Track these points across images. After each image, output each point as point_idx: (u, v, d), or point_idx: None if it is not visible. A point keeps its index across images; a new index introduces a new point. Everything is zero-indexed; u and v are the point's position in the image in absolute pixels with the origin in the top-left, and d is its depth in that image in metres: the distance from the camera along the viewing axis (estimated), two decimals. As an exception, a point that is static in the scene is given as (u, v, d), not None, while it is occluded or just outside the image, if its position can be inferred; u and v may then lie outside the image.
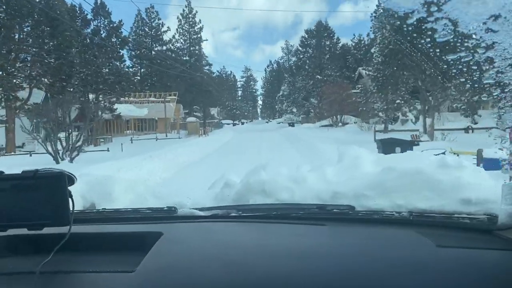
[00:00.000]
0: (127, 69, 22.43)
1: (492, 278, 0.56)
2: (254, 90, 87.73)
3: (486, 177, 0.95)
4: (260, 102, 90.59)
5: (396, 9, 0.58)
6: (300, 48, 34.23)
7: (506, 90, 0.61)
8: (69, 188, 0.61)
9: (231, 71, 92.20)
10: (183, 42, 35.18)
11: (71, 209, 0.60)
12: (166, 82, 34.08)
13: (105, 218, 0.86)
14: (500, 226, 0.70)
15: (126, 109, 22.76)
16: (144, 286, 0.55)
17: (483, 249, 0.66)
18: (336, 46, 33.24)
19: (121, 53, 20.96)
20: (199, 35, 35.31)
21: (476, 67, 0.64)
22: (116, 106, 22.57)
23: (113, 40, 20.37)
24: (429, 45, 0.72)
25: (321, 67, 32.37)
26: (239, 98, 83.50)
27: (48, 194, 0.59)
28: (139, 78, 35.73)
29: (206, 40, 36.07)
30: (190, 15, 35.02)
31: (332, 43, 33.41)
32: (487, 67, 0.62)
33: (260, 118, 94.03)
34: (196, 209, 0.87)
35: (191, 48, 33.98)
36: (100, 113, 15.15)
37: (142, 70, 35.36)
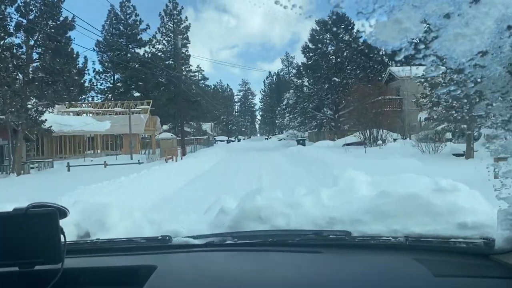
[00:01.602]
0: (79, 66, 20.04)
1: None
2: (252, 105, 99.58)
3: (481, 201, 1.27)
4: (258, 117, 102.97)
5: (384, 47, 0.88)
6: (309, 45, 33.42)
7: (497, 121, 0.85)
8: (62, 220, 0.78)
9: (227, 84, 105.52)
10: (166, 44, 37.34)
11: (63, 244, 0.78)
12: (144, 90, 35.50)
13: (99, 249, 1.09)
14: (497, 250, 0.90)
15: (79, 121, 23.25)
16: None
17: (481, 278, 0.87)
18: (356, 41, 30.53)
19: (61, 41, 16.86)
20: (185, 35, 37.42)
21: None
22: (63, 116, 23.42)
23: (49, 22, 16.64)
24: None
25: (338, 67, 32.08)
26: (237, 113, 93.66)
27: (40, 231, 0.76)
28: (111, 85, 37.14)
29: (189, 42, 37.60)
30: (174, 11, 36.97)
31: (352, 37, 31.34)
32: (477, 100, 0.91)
33: (258, 135, 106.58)
34: (191, 237, 1.15)
35: (176, 50, 35.96)
36: (26, 125, 13.72)
37: (116, 76, 36.95)
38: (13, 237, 0.76)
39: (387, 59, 29.50)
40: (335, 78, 31.45)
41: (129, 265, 0.98)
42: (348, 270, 0.95)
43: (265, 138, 70.79)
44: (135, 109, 26.05)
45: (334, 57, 32.89)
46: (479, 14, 0.77)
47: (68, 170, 15.62)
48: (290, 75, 67.56)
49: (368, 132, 20.47)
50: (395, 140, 19.24)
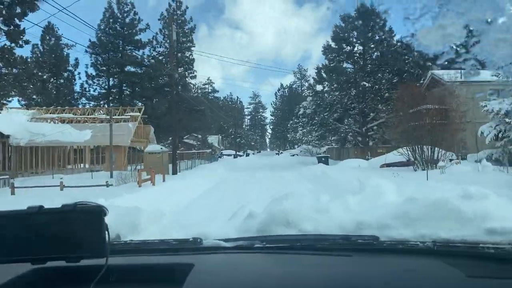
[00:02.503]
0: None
1: None
2: (263, 118, 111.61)
3: (510, 207, 1.55)
4: (269, 131, 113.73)
5: (426, 51, 1.12)
6: (332, 44, 32.71)
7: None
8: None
9: (237, 97, 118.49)
10: (168, 47, 38.73)
11: (107, 241, 0.96)
12: (140, 97, 36.72)
13: (133, 250, 1.38)
14: None
15: (55, 130, 23.31)
16: None
17: (510, 281, 1.08)
18: (390, 40, 30.89)
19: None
20: (189, 38, 39.48)
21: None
22: (36, 123, 23.48)
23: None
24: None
25: (368, 70, 31.36)
26: (247, 127, 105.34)
27: (87, 227, 0.94)
28: (104, 91, 38.53)
29: (194, 46, 39.43)
30: (178, 12, 38.83)
31: (384, 34, 31.31)
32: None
33: (268, 149, 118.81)
34: (221, 240, 1.43)
35: (179, 54, 37.32)
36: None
37: (112, 81, 38.56)
38: (61, 232, 0.96)
39: (429, 63, 28.00)
40: (364, 83, 30.57)
41: (166, 263, 1.23)
42: (378, 274, 1.15)
43: (276, 153, 75.46)
44: (123, 117, 26.49)
45: (361, 58, 32.48)
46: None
47: (12, 193, 13.68)
48: (303, 88, 76.27)
49: (418, 149, 17.75)
50: (451, 160, 16.92)
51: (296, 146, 71.37)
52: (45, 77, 39.80)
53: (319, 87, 34.65)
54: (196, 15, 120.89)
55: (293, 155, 53.81)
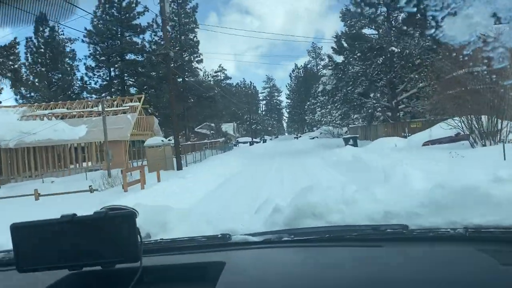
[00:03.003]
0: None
1: None
2: (278, 102, 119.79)
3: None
4: (286, 114, 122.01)
5: (452, 42, 1.26)
6: (351, 8, 32.11)
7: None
8: None
9: (250, 82, 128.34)
10: (170, 30, 40.01)
11: (140, 244, 1.11)
12: (142, 86, 37.27)
13: (164, 248, 1.59)
14: None
15: (47, 127, 23.01)
16: None
17: None
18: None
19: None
20: (191, 19, 40.64)
21: None
22: (28, 122, 23.40)
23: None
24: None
25: (395, 33, 29.95)
26: (263, 112, 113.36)
27: (119, 232, 1.09)
28: (106, 82, 39.64)
29: (197, 30, 40.52)
30: None
31: None
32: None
33: (286, 133, 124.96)
34: (249, 234, 1.64)
35: (182, 37, 38.44)
36: None
37: (112, 71, 39.88)
38: (95, 239, 1.11)
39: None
40: (392, 48, 29.04)
41: (198, 262, 1.40)
42: (411, 263, 1.28)
43: (294, 137, 78.17)
44: (121, 108, 26.72)
45: (386, 21, 31.46)
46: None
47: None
48: (319, 67, 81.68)
49: (475, 120, 15.67)
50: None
51: (314, 128, 74.11)
52: (40, 70, 40.60)
53: (339, 59, 33.52)
54: (204, 3, 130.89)
55: (313, 138, 54.98)
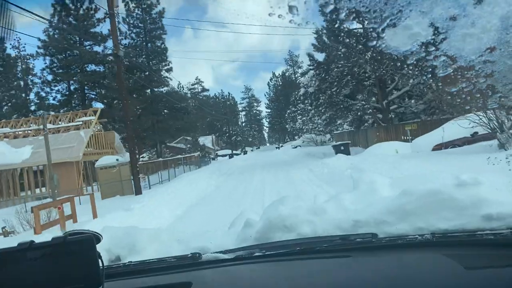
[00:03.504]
0: None
1: None
2: (258, 112, 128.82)
3: (505, 192, 1.97)
4: (266, 124, 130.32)
5: (395, 52, 1.52)
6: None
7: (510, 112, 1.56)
8: (96, 245, 1.26)
9: (229, 93, 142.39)
10: (134, 37, 41.63)
11: (101, 268, 1.18)
12: (104, 99, 37.34)
13: (132, 271, 1.76)
14: None
15: None
16: None
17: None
18: None
19: None
20: (158, 24, 41.64)
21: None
22: None
23: None
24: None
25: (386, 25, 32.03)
26: (243, 123, 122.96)
27: (79, 258, 1.16)
28: (65, 96, 39.66)
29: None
30: None
31: None
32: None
33: (268, 144, 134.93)
34: (220, 252, 1.85)
35: (148, 45, 39.25)
36: None
37: (72, 84, 39.85)
38: (53, 265, 1.18)
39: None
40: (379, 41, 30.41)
41: (164, 284, 1.59)
42: (379, 272, 1.45)
43: (276, 147, 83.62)
44: (73, 124, 26.02)
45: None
46: (484, 13, 1.36)
47: None
48: (297, 75, 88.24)
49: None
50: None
51: (296, 137, 78.03)
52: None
53: (321, 57, 33.09)
54: (180, 16, 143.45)
55: (295, 147, 56.55)
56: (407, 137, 22.83)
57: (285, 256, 1.75)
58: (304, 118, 51.28)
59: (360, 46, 29.97)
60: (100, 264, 1.20)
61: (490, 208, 1.88)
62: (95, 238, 1.24)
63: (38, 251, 1.19)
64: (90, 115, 27.13)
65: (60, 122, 27.14)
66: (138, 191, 18.64)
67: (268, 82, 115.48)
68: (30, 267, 1.18)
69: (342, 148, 27.09)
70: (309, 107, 39.70)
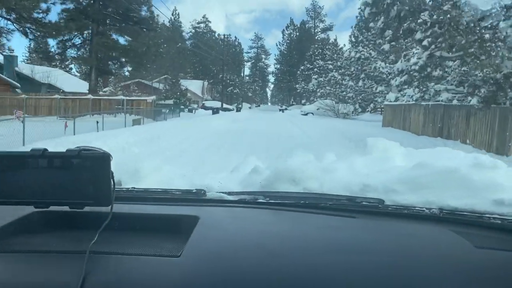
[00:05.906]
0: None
1: None
2: (265, 65, 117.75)
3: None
4: (272, 81, 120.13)
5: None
6: None
7: None
8: None
9: (235, 37, 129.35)
10: None
11: (112, 188, 1.19)
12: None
13: (136, 198, 1.77)
14: None
15: None
16: (191, 272, 1.11)
17: None
18: None
19: None
20: None
21: None
22: None
23: None
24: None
25: None
26: (246, 77, 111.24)
27: (92, 174, 1.16)
28: None
29: None
30: None
31: None
32: None
33: (269, 103, 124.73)
34: (224, 193, 1.86)
35: None
36: None
37: None
38: (65, 177, 1.18)
39: None
40: None
41: (172, 214, 1.56)
42: (383, 237, 1.48)
43: (280, 109, 70.80)
44: None
45: None
46: None
47: None
48: (317, 30, 79.64)
49: None
50: None
51: (304, 101, 70.17)
52: None
53: None
54: None
55: (306, 114, 49.62)
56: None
57: (289, 207, 1.77)
58: (321, 79, 44.26)
59: None
60: (112, 184, 1.20)
61: (503, 194, 1.89)
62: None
63: (51, 159, 1.18)
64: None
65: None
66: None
67: (283, 30, 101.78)
68: (40, 175, 1.17)
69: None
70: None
